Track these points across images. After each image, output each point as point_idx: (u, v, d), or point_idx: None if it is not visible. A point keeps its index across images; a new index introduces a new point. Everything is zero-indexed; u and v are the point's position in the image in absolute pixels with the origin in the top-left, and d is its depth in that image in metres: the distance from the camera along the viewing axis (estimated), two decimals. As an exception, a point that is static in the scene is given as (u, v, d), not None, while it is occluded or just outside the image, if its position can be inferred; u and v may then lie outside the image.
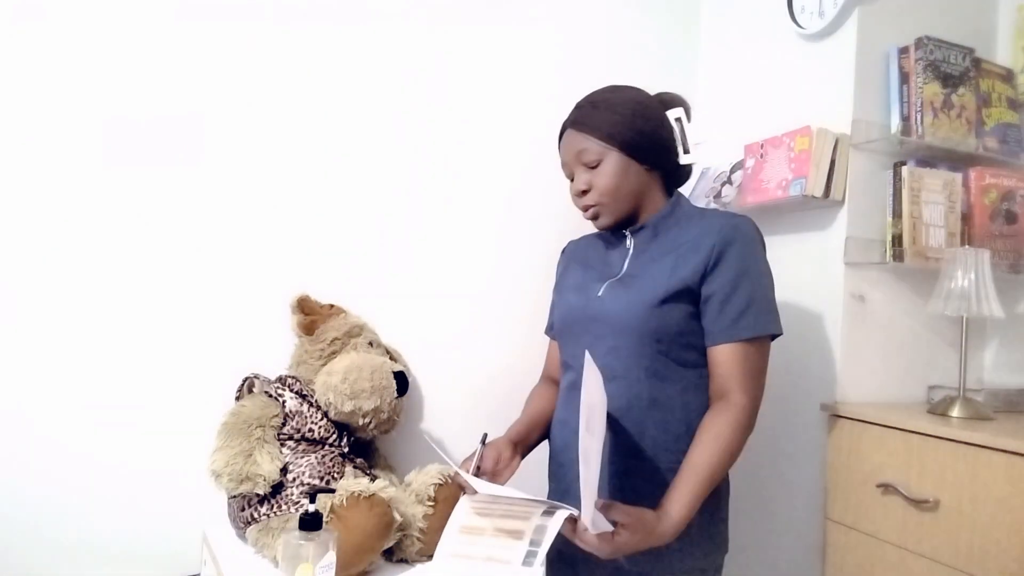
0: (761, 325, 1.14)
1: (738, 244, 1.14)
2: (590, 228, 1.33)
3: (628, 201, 1.21)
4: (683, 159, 1.23)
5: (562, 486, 1.27)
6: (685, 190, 1.36)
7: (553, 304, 1.40)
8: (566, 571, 1.26)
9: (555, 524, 0.95)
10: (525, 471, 1.25)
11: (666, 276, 1.16)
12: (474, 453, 1.17)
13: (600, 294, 1.22)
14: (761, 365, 1.15)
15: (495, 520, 1.01)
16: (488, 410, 1.64)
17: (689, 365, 1.17)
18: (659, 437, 1.14)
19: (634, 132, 1.18)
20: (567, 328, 1.28)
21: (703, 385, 1.18)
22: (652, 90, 1.27)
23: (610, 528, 0.95)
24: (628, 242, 1.25)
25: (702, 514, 1.16)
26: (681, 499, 1.03)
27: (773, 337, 1.17)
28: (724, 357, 1.14)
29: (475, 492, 1.04)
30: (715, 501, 1.20)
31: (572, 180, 1.25)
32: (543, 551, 0.95)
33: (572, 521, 0.96)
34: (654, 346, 1.15)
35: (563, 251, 1.43)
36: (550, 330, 1.42)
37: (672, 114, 1.23)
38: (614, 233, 1.27)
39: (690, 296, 1.15)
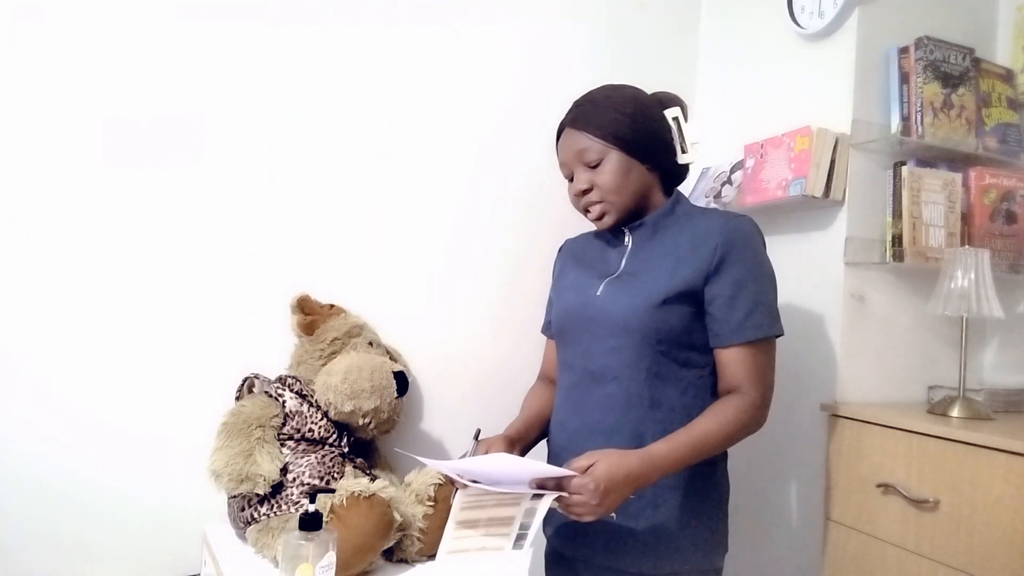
0: (767, 326, 1.14)
1: (741, 245, 1.15)
2: (589, 227, 1.33)
3: (632, 200, 1.20)
4: (681, 159, 1.23)
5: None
6: (685, 190, 1.36)
7: (550, 303, 1.39)
8: (565, 571, 1.26)
9: (544, 504, 0.97)
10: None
11: (667, 277, 1.15)
12: (467, 451, 1.16)
13: (599, 293, 1.21)
14: (769, 363, 1.16)
15: (488, 511, 1.02)
16: (488, 410, 1.64)
17: (689, 365, 1.17)
18: (659, 438, 1.14)
19: (635, 131, 1.18)
20: (566, 328, 1.27)
21: (703, 385, 1.18)
22: (651, 90, 1.27)
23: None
24: (626, 239, 1.25)
25: (702, 513, 1.17)
26: (664, 444, 1.06)
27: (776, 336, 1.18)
28: (732, 358, 1.14)
29: (466, 486, 1.05)
30: (715, 501, 1.20)
31: (571, 180, 1.24)
32: (532, 532, 0.97)
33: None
34: (655, 346, 1.15)
35: (560, 249, 1.42)
36: (547, 329, 1.41)
37: (670, 113, 1.22)
38: (612, 231, 1.26)
39: (692, 297, 1.15)
